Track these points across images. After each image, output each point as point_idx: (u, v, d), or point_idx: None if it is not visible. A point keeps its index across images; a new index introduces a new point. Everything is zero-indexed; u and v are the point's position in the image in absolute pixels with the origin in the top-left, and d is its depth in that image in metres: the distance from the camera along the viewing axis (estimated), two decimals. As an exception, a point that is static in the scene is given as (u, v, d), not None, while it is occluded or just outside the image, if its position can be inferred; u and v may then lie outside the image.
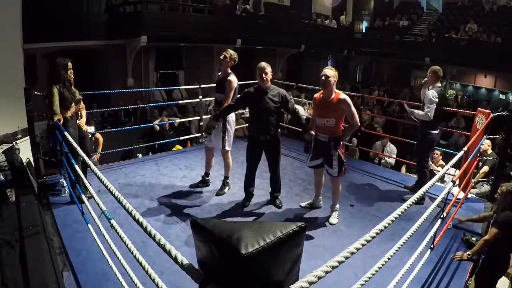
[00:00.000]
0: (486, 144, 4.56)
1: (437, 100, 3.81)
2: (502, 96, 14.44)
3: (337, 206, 3.65)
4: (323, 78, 3.26)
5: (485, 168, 4.74)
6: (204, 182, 4.28)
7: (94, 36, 9.05)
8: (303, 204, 3.89)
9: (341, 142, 3.39)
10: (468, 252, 2.98)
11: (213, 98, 4.14)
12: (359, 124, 3.32)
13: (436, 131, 4.04)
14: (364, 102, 10.12)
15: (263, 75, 3.46)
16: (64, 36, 8.23)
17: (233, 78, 3.83)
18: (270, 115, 3.53)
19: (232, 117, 3.95)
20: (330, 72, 3.26)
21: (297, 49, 13.18)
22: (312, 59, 15.16)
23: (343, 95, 3.28)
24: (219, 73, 4.02)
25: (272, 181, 3.87)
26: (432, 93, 3.82)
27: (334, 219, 3.58)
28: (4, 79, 5.80)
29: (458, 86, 15.78)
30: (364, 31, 17.43)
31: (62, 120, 3.41)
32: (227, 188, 4.16)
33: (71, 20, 8.42)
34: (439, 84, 3.95)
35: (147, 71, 10.66)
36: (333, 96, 3.30)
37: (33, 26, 7.33)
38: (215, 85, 4.04)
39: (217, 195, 4.05)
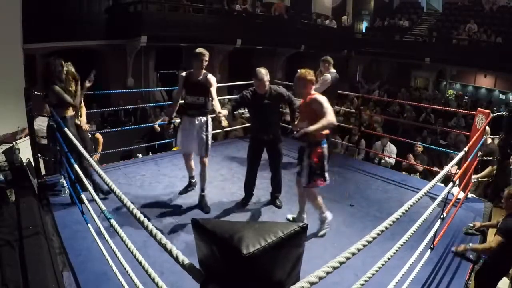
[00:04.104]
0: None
1: (329, 80, 4.58)
2: (502, 96, 14.44)
3: (324, 215, 3.27)
4: (296, 80, 3.12)
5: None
6: (192, 185, 4.13)
7: (94, 36, 9.04)
8: (289, 217, 3.61)
9: (319, 152, 3.04)
10: (470, 244, 2.98)
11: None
12: (334, 122, 2.98)
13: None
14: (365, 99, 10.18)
15: (261, 87, 3.46)
16: (64, 36, 8.23)
17: (212, 76, 3.68)
18: (270, 116, 3.53)
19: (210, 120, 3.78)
20: (300, 74, 3.08)
21: (297, 49, 13.17)
22: (312, 59, 15.14)
23: (316, 95, 3.05)
24: (199, 77, 3.57)
25: (273, 181, 3.87)
26: (325, 76, 4.62)
27: (321, 231, 3.29)
28: (4, 79, 5.80)
29: (458, 86, 15.77)
30: (364, 31, 17.42)
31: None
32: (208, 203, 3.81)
33: (71, 20, 8.42)
34: (333, 70, 4.74)
35: (147, 71, 10.66)
36: (307, 98, 3.10)
37: (33, 26, 7.34)
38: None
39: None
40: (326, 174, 3.11)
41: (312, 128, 2.86)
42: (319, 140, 3.04)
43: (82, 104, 3.95)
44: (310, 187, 3.15)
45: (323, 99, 3.00)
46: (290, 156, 5.52)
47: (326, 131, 3.06)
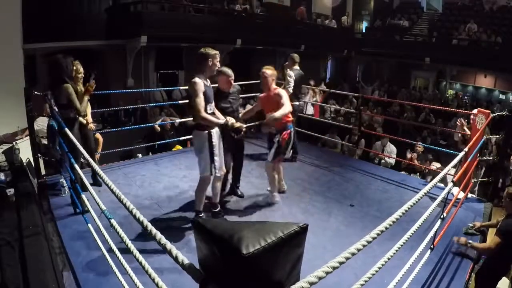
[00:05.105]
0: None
1: (293, 78, 5.00)
2: (502, 96, 14.43)
3: (275, 194, 3.88)
4: (262, 77, 3.64)
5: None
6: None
7: (94, 36, 9.03)
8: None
9: (286, 135, 3.65)
10: (470, 241, 2.99)
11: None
12: (286, 112, 3.53)
13: (297, 103, 5.14)
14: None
15: (229, 84, 3.65)
16: (64, 36, 8.21)
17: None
18: (236, 111, 3.79)
19: None
20: (268, 72, 3.63)
21: (297, 49, 13.17)
22: (312, 59, 15.15)
23: (278, 90, 3.65)
24: (208, 81, 3.24)
25: (238, 174, 4.05)
26: (289, 74, 5.04)
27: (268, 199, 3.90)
28: (4, 79, 5.80)
29: (458, 86, 15.77)
30: (364, 31, 17.41)
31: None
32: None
33: (71, 20, 8.40)
34: (296, 67, 5.19)
35: (147, 71, 10.64)
36: (271, 92, 3.66)
37: (33, 26, 7.33)
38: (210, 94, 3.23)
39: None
40: (287, 151, 3.83)
41: (276, 115, 3.46)
42: (284, 126, 3.67)
43: (88, 102, 3.98)
44: (274, 163, 3.78)
45: (284, 92, 3.66)
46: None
47: (290, 118, 3.70)
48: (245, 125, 3.27)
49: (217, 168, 3.22)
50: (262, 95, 3.82)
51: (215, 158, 3.17)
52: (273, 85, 3.68)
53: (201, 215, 3.41)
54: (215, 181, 3.39)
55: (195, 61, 3.20)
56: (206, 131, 3.14)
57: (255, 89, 3.89)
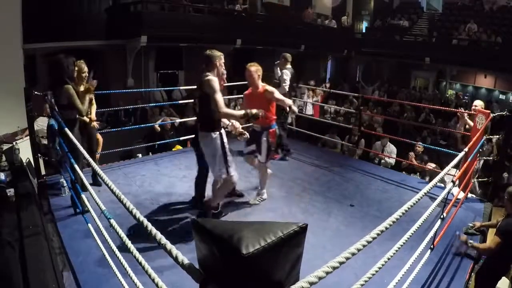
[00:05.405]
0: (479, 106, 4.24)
1: (289, 77, 5.13)
2: (502, 96, 14.42)
3: (264, 191, 3.92)
4: (247, 75, 3.57)
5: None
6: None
7: (94, 36, 9.02)
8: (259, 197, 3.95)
9: (274, 131, 3.65)
10: (471, 241, 2.99)
11: None
12: (290, 102, 3.69)
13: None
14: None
15: (225, 82, 3.58)
16: (64, 36, 8.21)
17: None
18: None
19: None
20: (252, 68, 3.56)
21: (297, 49, 13.17)
22: (312, 59, 15.15)
23: (267, 86, 3.62)
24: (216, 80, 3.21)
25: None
26: (285, 72, 5.15)
27: (254, 200, 3.88)
28: (4, 79, 5.80)
29: (458, 86, 15.77)
30: (364, 31, 17.41)
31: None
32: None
33: (71, 20, 8.40)
34: (289, 66, 5.28)
35: (147, 71, 10.64)
36: (259, 89, 3.59)
37: (33, 26, 7.33)
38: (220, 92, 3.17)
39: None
40: (279, 150, 3.87)
41: (291, 107, 3.64)
42: (270, 124, 3.65)
43: (93, 101, 3.99)
44: (267, 161, 3.76)
45: (273, 88, 3.64)
46: (289, 157, 5.51)
47: (274, 117, 3.70)
48: (259, 111, 3.20)
49: (232, 167, 3.21)
50: (247, 92, 3.77)
51: (228, 158, 3.18)
52: (260, 82, 3.60)
53: (215, 211, 3.49)
54: (216, 182, 3.39)
55: (202, 62, 3.18)
56: (218, 132, 3.14)
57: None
